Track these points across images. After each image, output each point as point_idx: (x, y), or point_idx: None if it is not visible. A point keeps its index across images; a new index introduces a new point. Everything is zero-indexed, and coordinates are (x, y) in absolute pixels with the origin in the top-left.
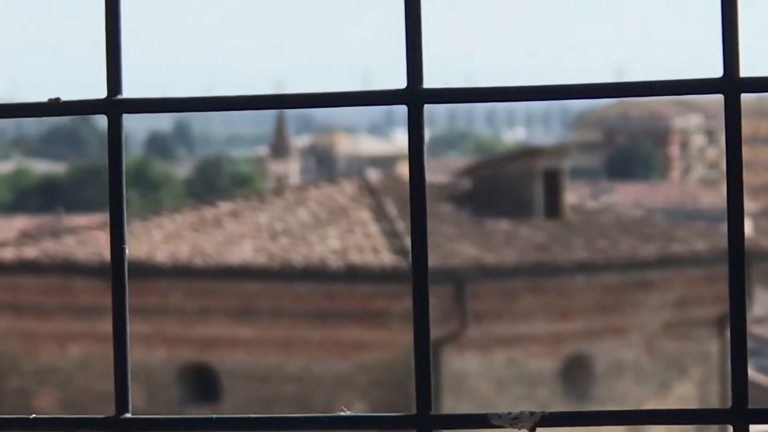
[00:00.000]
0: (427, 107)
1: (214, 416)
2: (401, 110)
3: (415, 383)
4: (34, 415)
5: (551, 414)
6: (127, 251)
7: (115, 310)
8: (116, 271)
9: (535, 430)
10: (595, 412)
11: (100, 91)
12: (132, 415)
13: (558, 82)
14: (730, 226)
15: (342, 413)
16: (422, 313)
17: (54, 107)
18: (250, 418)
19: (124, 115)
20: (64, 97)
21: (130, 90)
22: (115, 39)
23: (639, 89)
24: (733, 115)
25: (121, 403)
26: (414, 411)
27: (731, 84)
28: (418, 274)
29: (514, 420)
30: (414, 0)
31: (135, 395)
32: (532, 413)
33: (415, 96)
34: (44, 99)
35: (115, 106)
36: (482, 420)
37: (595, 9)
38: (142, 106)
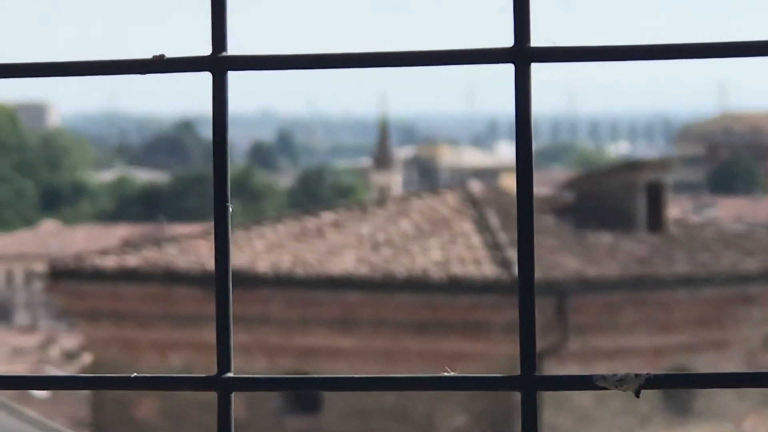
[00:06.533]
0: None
1: (315, 376)
2: (504, 122)
3: (519, 345)
4: (135, 374)
5: (656, 376)
6: (230, 209)
7: (218, 264)
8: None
9: (640, 392)
10: (699, 375)
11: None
12: (234, 374)
13: (660, 96)
14: None
15: (446, 374)
16: (527, 277)
17: (158, 64)
18: (351, 378)
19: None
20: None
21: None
22: None
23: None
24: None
25: (223, 362)
26: (516, 419)
27: (521, 53)
28: (523, 232)
29: (619, 382)
30: None
31: (235, 405)
32: (637, 375)
33: (521, 54)
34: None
35: (219, 62)
36: (587, 382)
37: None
38: (247, 63)
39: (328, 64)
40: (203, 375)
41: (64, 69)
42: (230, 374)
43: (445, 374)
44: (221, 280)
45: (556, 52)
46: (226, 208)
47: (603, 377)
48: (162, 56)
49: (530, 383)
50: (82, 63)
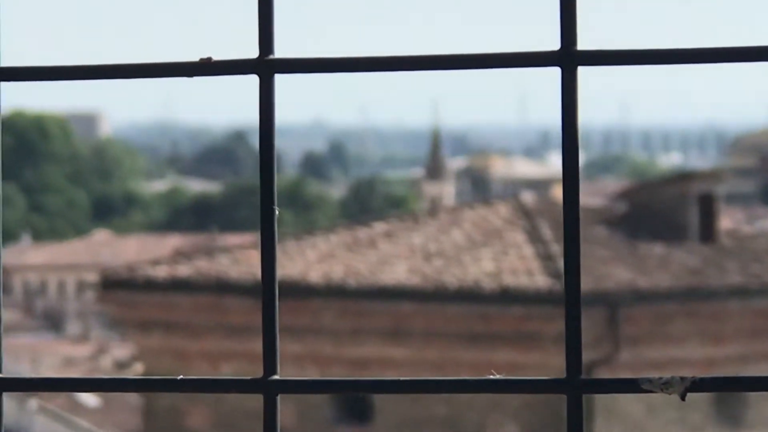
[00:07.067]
0: (582, 131)
1: (362, 378)
2: (556, 133)
3: (565, 346)
4: (181, 377)
5: (702, 379)
6: (277, 212)
7: (264, 259)
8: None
9: (686, 395)
10: (745, 378)
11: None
12: (280, 377)
13: (713, 107)
14: None
15: (492, 377)
16: (573, 273)
17: (205, 66)
18: (396, 381)
19: (278, 130)
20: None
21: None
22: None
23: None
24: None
25: (269, 365)
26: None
27: (567, 56)
28: (569, 227)
29: (665, 385)
30: None
31: (286, 413)
32: (683, 378)
33: (568, 57)
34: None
35: (266, 65)
36: (633, 385)
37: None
38: (294, 66)
39: (376, 67)
40: (249, 377)
41: (111, 72)
42: (276, 376)
43: (492, 377)
44: (267, 286)
45: (604, 56)
46: (273, 211)
47: (649, 380)
48: (209, 59)
49: (576, 386)
50: (130, 66)
